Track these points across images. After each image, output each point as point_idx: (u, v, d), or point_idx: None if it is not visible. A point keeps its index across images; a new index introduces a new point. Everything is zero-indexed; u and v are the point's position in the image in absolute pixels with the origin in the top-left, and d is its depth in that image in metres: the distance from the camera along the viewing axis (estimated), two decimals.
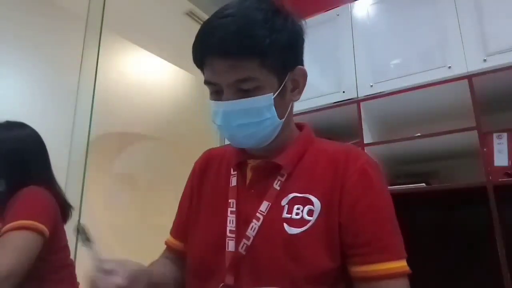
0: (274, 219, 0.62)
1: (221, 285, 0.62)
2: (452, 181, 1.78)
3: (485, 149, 1.49)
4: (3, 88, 2.06)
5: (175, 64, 3.29)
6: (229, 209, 0.66)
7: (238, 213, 0.66)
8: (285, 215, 0.62)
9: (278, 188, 0.65)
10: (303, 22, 0.69)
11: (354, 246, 0.60)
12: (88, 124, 1.71)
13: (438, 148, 1.76)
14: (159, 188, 3.05)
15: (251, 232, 0.62)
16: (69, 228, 1.15)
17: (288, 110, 0.68)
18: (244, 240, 0.62)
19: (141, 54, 3.06)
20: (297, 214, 0.61)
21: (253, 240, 0.62)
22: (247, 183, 0.69)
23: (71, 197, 1.21)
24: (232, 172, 0.72)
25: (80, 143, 1.68)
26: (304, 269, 0.58)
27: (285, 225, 0.61)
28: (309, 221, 0.60)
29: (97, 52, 1.80)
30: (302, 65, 0.69)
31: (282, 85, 0.64)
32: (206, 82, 0.66)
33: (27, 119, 1.16)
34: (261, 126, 0.63)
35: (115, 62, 2.81)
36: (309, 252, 0.59)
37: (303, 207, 0.62)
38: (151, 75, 3.15)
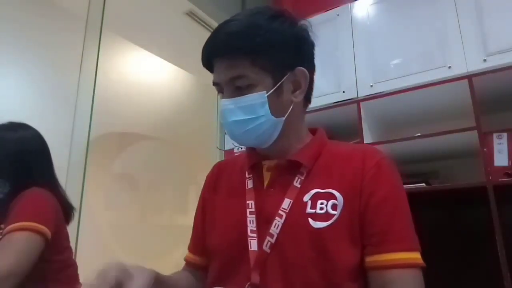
0: (297, 215, 0.63)
1: (247, 284, 0.62)
2: (452, 181, 1.78)
3: (485, 149, 1.49)
4: (3, 88, 2.06)
5: (175, 64, 3.29)
6: (248, 210, 0.67)
7: (258, 213, 0.66)
8: (309, 210, 0.63)
9: (299, 186, 0.66)
10: (308, 26, 0.74)
11: (368, 236, 0.61)
12: (88, 124, 1.71)
13: (438, 148, 1.76)
14: (159, 188, 3.05)
15: (274, 229, 0.63)
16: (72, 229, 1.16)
17: (289, 110, 0.69)
18: (268, 238, 0.63)
19: (141, 54, 3.06)
20: (321, 208, 0.62)
21: (277, 237, 0.63)
22: (265, 183, 0.70)
23: (71, 197, 1.21)
24: (247, 175, 0.73)
25: (80, 143, 1.68)
26: (331, 263, 0.59)
27: (309, 220, 0.62)
28: (333, 215, 0.61)
29: (97, 52, 1.80)
30: (306, 67, 0.72)
31: (278, 84, 0.66)
32: (213, 83, 0.69)
33: (27, 119, 1.16)
34: (256, 123, 0.65)
35: (115, 62, 2.81)
36: (335, 246, 0.60)
37: (327, 201, 0.63)
38: (151, 75, 3.15)
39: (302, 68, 0.71)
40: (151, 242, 2.83)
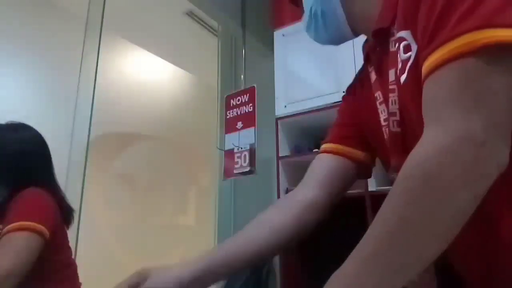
0: (405, 76, 0.51)
1: (390, 171, 0.58)
2: None
3: None
4: (3, 88, 2.06)
5: (175, 64, 3.29)
6: (377, 102, 0.62)
7: (385, 101, 0.60)
8: (409, 65, 0.49)
9: (394, 48, 0.55)
10: None
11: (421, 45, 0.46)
12: (88, 124, 1.71)
13: None
14: (159, 188, 3.05)
15: (393, 107, 0.57)
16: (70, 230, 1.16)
17: None
18: (391, 118, 0.57)
19: (141, 54, 3.06)
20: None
21: (399, 113, 0.56)
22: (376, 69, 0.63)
23: (71, 197, 1.21)
24: (369, 70, 0.66)
25: (80, 143, 1.68)
26: None
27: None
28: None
29: (97, 52, 1.80)
30: None
31: None
32: None
33: (27, 119, 1.16)
34: (314, 23, 0.67)
35: (115, 62, 2.81)
36: None
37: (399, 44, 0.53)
38: (151, 75, 3.15)
39: None
40: (151, 242, 2.83)
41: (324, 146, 0.75)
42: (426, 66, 0.41)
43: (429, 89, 0.41)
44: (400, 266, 0.36)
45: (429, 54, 0.40)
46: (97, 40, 1.82)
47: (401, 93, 0.54)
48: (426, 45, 0.41)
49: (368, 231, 0.38)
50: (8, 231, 0.91)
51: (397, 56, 0.52)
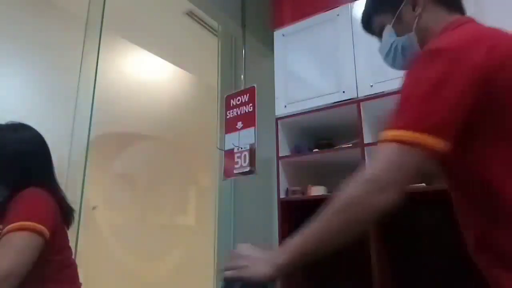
0: None
1: None
2: None
3: None
4: (3, 88, 2.06)
5: (175, 64, 3.29)
6: None
7: None
8: None
9: None
10: None
11: None
12: (88, 124, 1.71)
13: None
14: (159, 188, 3.05)
15: None
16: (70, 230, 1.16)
17: (414, 24, 0.80)
18: None
19: (141, 54, 3.06)
20: None
21: None
22: None
23: (71, 197, 1.21)
24: None
25: (80, 143, 1.68)
26: None
27: None
28: None
29: (97, 52, 1.80)
30: None
31: (397, 13, 0.82)
32: None
33: (27, 119, 1.16)
34: (393, 51, 0.84)
35: (115, 62, 2.81)
36: None
37: None
38: (151, 75, 3.15)
39: None
40: (151, 242, 2.84)
41: None
42: (378, 137, 0.62)
43: (375, 150, 0.65)
44: (317, 243, 0.60)
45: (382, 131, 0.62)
46: (97, 40, 1.82)
47: None
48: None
49: (312, 222, 0.60)
50: (8, 231, 0.91)
51: None
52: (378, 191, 0.57)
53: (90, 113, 1.73)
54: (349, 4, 1.98)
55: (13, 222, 0.92)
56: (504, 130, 0.59)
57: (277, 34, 2.06)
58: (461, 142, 0.60)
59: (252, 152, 1.84)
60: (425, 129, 0.57)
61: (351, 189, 0.59)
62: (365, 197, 0.57)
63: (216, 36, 2.76)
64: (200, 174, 3.31)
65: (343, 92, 1.85)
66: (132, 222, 2.79)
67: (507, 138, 0.59)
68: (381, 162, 0.59)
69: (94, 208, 2.51)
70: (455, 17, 0.80)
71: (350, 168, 0.74)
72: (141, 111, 2.94)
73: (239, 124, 1.97)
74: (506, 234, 0.59)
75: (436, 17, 0.81)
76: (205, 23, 2.79)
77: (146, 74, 3.10)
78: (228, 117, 2.04)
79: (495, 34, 0.64)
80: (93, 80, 1.77)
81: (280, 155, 1.86)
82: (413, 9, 0.82)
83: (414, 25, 0.81)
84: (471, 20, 0.77)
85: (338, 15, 1.99)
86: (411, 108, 0.61)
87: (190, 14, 2.68)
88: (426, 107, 0.58)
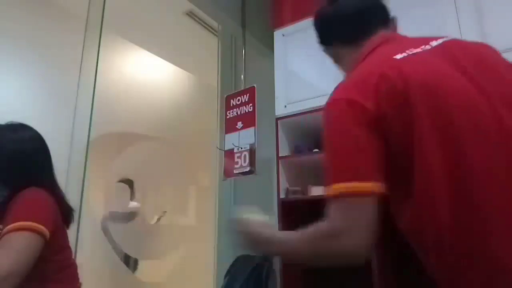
0: None
1: None
2: None
3: None
4: (3, 88, 2.06)
5: (175, 64, 3.29)
6: None
7: None
8: None
9: None
10: None
11: None
12: (88, 124, 1.71)
13: None
14: (159, 188, 3.05)
15: None
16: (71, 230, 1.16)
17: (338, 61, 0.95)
18: None
19: (141, 54, 3.06)
20: None
21: None
22: None
23: (71, 197, 1.21)
24: None
25: (80, 143, 1.68)
26: None
27: None
28: None
29: (97, 52, 1.80)
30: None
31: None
32: None
33: (27, 119, 1.16)
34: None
35: (115, 62, 2.81)
36: None
37: None
38: (151, 75, 3.15)
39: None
40: (151, 242, 2.84)
41: None
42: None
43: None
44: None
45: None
46: (97, 40, 1.82)
47: None
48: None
49: (285, 236, 0.73)
50: (8, 231, 0.91)
51: None
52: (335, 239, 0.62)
53: (90, 113, 1.73)
54: None
55: (13, 222, 0.92)
56: (396, 171, 0.65)
57: (277, 34, 2.06)
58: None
59: (252, 152, 1.84)
60: (353, 177, 0.64)
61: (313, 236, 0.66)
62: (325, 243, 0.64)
63: (216, 36, 2.76)
64: (200, 174, 3.31)
65: None
66: (132, 222, 2.79)
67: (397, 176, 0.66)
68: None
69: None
70: (367, 44, 0.85)
71: None
72: (141, 111, 2.94)
73: (239, 124, 1.97)
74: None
75: (349, 55, 0.91)
76: (205, 23, 2.79)
77: (146, 74, 3.10)
78: (228, 117, 2.04)
79: (381, 71, 0.70)
80: (93, 80, 1.77)
81: (280, 155, 1.86)
82: (333, 52, 0.95)
83: (338, 63, 0.95)
84: (376, 47, 0.83)
85: None
86: (336, 164, 0.70)
87: (190, 14, 2.68)
88: (347, 159, 0.66)
